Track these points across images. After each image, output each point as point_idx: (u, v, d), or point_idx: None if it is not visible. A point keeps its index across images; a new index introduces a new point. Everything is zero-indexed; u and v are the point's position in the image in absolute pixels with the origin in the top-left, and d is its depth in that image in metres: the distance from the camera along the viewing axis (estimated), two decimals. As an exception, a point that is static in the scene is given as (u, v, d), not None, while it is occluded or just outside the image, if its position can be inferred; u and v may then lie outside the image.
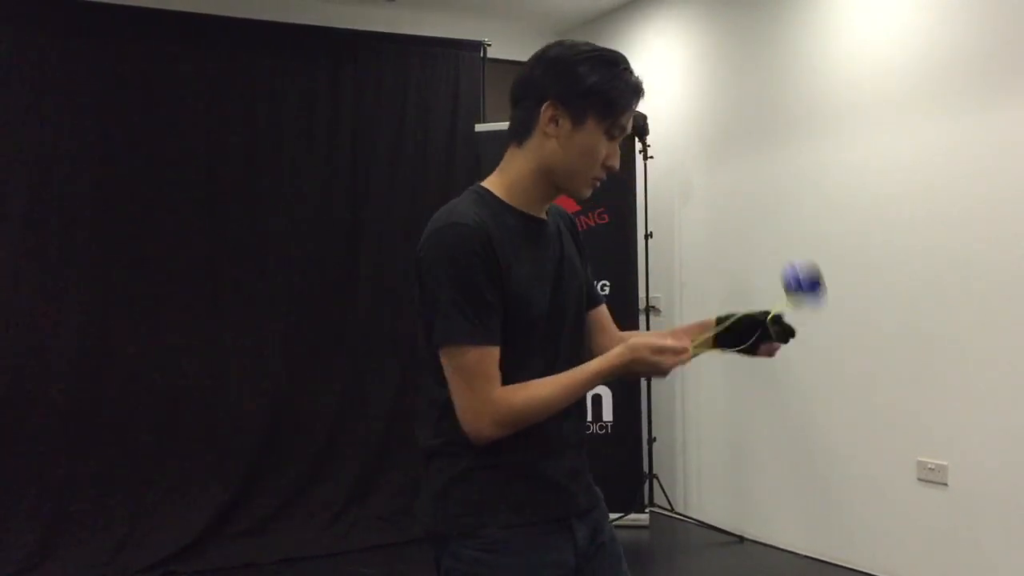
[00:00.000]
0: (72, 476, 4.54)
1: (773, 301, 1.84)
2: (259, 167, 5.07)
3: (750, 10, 5.00)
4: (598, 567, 1.80)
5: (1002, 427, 3.75)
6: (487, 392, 1.63)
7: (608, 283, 5.13)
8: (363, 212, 5.29)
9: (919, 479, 4.06)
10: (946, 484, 3.95)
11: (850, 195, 4.39)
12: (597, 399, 5.08)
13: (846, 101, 4.41)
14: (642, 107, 1.86)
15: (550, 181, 1.74)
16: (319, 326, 5.15)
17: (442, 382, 1.68)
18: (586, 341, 1.89)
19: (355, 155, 5.29)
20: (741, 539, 4.88)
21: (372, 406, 5.21)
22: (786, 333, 1.82)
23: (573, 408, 1.74)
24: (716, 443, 5.24)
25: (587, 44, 1.72)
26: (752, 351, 1.83)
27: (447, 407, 1.68)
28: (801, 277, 1.80)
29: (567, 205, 1.96)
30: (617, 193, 4.98)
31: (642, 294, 5.31)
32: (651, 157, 5.29)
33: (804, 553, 4.62)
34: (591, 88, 1.67)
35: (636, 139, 5.14)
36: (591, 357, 1.73)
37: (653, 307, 5.45)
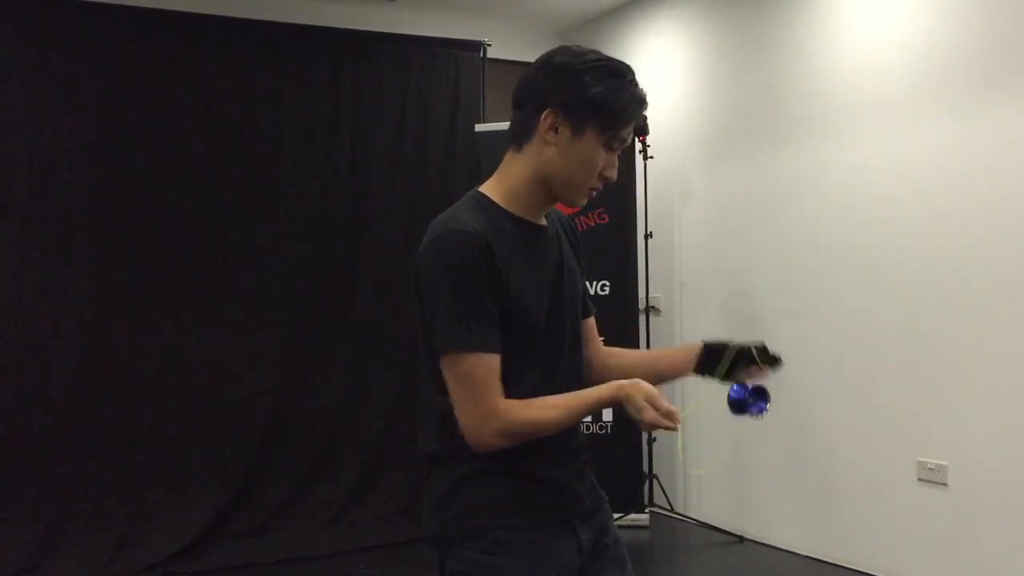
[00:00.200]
0: (72, 476, 4.54)
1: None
2: (259, 167, 5.07)
3: (750, 10, 5.00)
4: (602, 569, 1.80)
5: (1002, 427, 3.75)
6: (490, 401, 1.62)
7: (608, 283, 5.14)
8: (363, 212, 5.29)
9: (919, 479, 4.06)
10: (946, 484, 3.95)
11: (850, 195, 4.39)
12: (597, 399, 5.07)
13: (846, 101, 4.41)
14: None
15: (547, 188, 1.73)
16: (319, 326, 5.15)
17: (442, 389, 1.68)
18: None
19: (355, 155, 5.29)
20: (741, 539, 4.88)
21: (372, 406, 5.21)
22: (774, 360, 1.83)
23: None
24: (716, 443, 5.23)
25: (594, 53, 1.70)
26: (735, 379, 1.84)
27: (448, 413, 1.68)
28: (749, 385, 1.80)
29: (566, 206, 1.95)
30: (617, 193, 4.97)
31: (642, 294, 5.31)
32: (651, 157, 5.29)
33: (804, 553, 4.62)
34: (593, 99, 1.65)
35: (636, 138, 5.14)
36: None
37: (653, 307, 5.45)
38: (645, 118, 5.10)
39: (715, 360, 1.83)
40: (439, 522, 1.72)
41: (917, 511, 4.07)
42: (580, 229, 1.95)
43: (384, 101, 5.36)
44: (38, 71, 4.60)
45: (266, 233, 5.06)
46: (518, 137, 1.73)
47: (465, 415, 1.63)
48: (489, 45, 5.60)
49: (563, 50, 1.72)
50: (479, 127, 5.35)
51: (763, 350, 1.82)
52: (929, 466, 4.01)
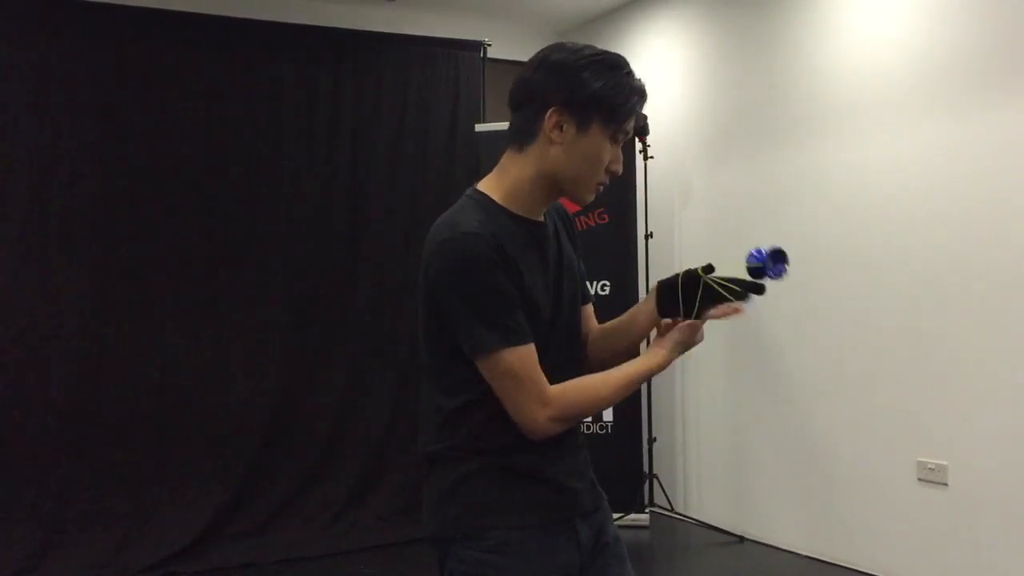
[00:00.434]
0: (72, 476, 4.54)
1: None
2: (259, 167, 5.07)
3: (750, 10, 5.00)
4: (604, 566, 1.80)
5: (1002, 427, 3.75)
6: (539, 388, 1.63)
7: (608, 283, 5.14)
8: (363, 212, 5.29)
9: (919, 479, 4.05)
10: (946, 484, 3.95)
11: (850, 195, 4.39)
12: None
13: (846, 101, 4.41)
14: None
15: (552, 186, 1.72)
16: (319, 326, 5.16)
17: (444, 390, 1.69)
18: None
19: (355, 155, 5.29)
20: (741, 539, 4.88)
21: (372, 406, 5.21)
22: (744, 290, 1.73)
23: None
24: (716, 443, 5.24)
25: (589, 48, 1.70)
26: (698, 315, 1.75)
27: (449, 413, 1.68)
28: (765, 250, 1.77)
29: (565, 204, 1.95)
30: (617, 193, 4.97)
31: (642, 294, 5.30)
32: (651, 157, 5.29)
33: (804, 553, 4.62)
34: (596, 94, 1.65)
35: (636, 139, 5.15)
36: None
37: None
38: (645, 118, 5.11)
39: (674, 296, 1.76)
40: (439, 522, 1.72)
41: (917, 511, 4.07)
42: (580, 229, 1.94)
43: (384, 101, 5.36)
44: (38, 71, 4.60)
45: (266, 233, 5.06)
46: (520, 138, 1.72)
47: (517, 408, 1.64)
48: (489, 45, 5.60)
49: (558, 47, 1.71)
50: (479, 127, 5.35)
51: (731, 283, 1.73)
52: (929, 466, 4.01)
